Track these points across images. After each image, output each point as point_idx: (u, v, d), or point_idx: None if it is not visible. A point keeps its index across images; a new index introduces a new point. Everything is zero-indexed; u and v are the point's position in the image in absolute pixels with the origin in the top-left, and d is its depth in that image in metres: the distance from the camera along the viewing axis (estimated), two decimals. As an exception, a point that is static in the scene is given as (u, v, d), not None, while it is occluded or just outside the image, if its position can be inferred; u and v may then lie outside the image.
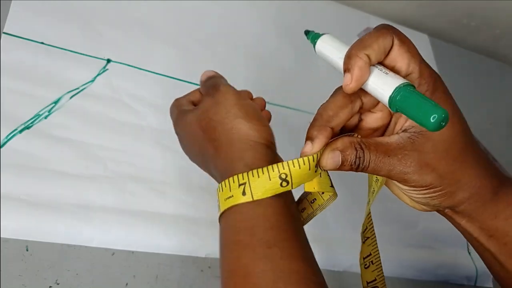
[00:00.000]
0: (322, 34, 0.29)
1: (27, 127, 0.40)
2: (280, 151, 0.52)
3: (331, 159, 0.26)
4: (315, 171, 0.27)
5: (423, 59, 0.27)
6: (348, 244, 0.47)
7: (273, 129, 0.47)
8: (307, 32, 0.30)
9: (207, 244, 0.40)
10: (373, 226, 0.32)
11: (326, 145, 0.27)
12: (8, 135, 0.38)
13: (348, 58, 0.26)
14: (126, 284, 0.36)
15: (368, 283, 0.33)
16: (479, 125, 0.68)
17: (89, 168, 0.40)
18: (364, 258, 0.33)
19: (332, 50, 0.29)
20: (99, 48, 0.47)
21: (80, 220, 0.37)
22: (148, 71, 0.49)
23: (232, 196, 0.27)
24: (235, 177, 0.27)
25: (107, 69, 0.46)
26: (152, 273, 0.38)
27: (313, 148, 0.26)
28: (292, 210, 0.27)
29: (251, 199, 0.26)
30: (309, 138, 0.27)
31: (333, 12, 0.68)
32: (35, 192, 0.37)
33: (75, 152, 0.40)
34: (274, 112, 0.53)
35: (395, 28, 0.27)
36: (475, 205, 0.28)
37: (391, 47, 0.26)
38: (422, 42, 0.73)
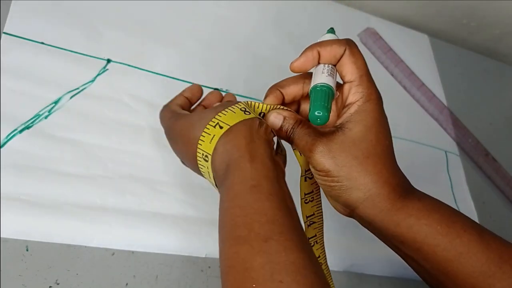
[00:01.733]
0: (331, 32, 0.35)
1: (27, 127, 0.40)
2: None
3: (274, 118, 0.33)
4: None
5: (368, 73, 0.32)
6: (348, 244, 0.47)
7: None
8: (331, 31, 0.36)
9: (207, 244, 0.40)
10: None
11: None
12: (8, 135, 0.38)
13: (306, 48, 0.32)
14: (126, 284, 0.36)
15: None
16: (479, 125, 0.68)
17: (89, 168, 0.40)
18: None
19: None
20: (99, 48, 0.47)
21: (80, 220, 0.37)
22: (148, 71, 0.49)
23: (214, 135, 0.31)
24: (207, 125, 0.32)
25: (107, 69, 0.46)
26: (152, 273, 0.38)
27: (265, 100, 0.34)
28: (288, 203, 0.28)
29: (228, 127, 0.31)
30: (265, 95, 0.34)
31: (333, 12, 0.68)
32: (35, 192, 0.37)
33: (75, 152, 0.40)
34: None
35: (353, 42, 0.32)
36: (372, 211, 0.31)
37: (342, 55, 0.32)
38: (422, 42, 0.73)
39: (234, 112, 0.32)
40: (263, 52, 0.58)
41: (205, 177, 0.34)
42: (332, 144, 0.30)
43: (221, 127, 0.31)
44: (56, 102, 0.42)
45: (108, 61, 0.47)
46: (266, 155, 0.30)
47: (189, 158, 0.34)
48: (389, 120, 0.67)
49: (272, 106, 0.34)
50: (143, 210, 0.40)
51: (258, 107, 0.34)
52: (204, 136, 0.31)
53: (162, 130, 0.45)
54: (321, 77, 0.32)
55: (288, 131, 0.32)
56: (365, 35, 0.67)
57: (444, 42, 0.76)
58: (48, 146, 0.40)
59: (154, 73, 0.49)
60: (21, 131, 0.39)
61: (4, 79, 0.41)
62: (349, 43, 0.32)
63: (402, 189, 0.31)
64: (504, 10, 0.76)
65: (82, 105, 0.43)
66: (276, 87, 0.34)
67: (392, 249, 0.33)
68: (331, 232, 0.48)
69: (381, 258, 0.47)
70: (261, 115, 0.34)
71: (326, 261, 0.36)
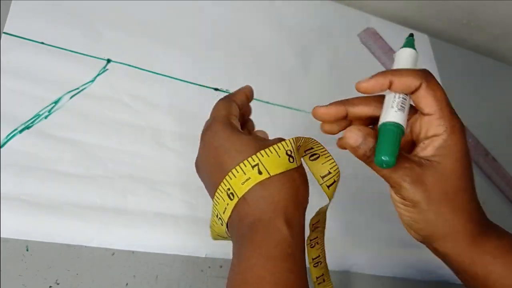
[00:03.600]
0: (411, 46, 0.34)
1: (27, 127, 0.40)
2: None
3: (354, 135, 0.28)
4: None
5: (448, 103, 0.30)
6: (348, 244, 0.47)
7: (274, 128, 0.47)
8: (411, 35, 0.35)
9: (207, 244, 0.40)
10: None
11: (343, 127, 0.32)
12: (8, 135, 0.38)
13: (379, 73, 0.30)
14: (126, 284, 0.36)
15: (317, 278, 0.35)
16: (479, 125, 0.68)
17: (89, 168, 0.40)
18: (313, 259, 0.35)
19: (396, 61, 0.33)
20: (99, 48, 0.47)
21: (80, 220, 0.37)
22: (148, 71, 0.49)
23: (250, 177, 0.28)
24: (246, 161, 0.28)
25: (107, 69, 0.46)
26: (152, 273, 0.38)
27: (322, 108, 0.32)
28: (298, 263, 0.27)
29: (268, 175, 0.28)
30: (327, 106, 0.32)
31: (334, 12, 0.68)
32: (35, 192, 0.37)
33: (75, 152, 0.40)
34: (275, 111, 0.54)
35: (430, 74, 0.30)
36: (451, 246, 0.30)
37: (418, 88, 0.29)
38: (422, 43, 0.73)
39: (279, 156, 0.29)
40: (263, 51, 0.58)
41: (215, 208, 0.31)
42: (425, 176, 0.29)
43: (260, 172, 0.28)
44: (56, 102, 0.42)
45: (108, 61, 0.47)
46: (302, 222, 0.29)
47: (210, 182, 0.32)
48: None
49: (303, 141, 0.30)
50: (143, 210, 0.40)
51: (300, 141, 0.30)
52: (237, 172, 0.28)
53: (162, 130, 0.45)
54: (391, 112, 0.29)
55: (367, 153, 0.29)
56: (365, 35, 0.67)
57: (444, 42, 0.76)
58: (48, 146, 0.40)
59: (154, 73, 0.49)
60: (21, 131, 0.39)
61: (4, 79, 0.41)
62: (426, 75, 0.30)
63: (482, 225, 0.31)
64: (504, 10, 0.76)
65: (82, 105, 0.43)
66: (342, 103, 0.32)
67: (458, 276, 0.32)
68: (331, 232, 0.48)
69: (383, 259, 0.47)
70: (298, 147, 0.31)
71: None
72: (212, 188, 0.31)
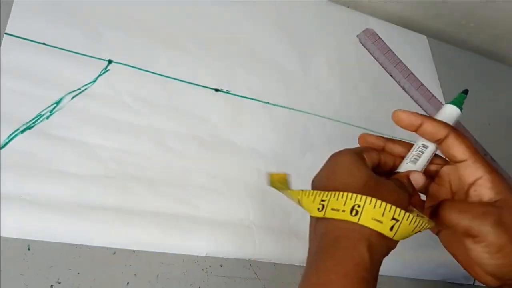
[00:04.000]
0: (457, 104, 0.35)
1: (29, 127, 0.40)
2: (283, 153, 0.52)
3: (417, 176, 0.31)
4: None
5: (477, 150, 0.32)
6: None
7: (274, 130, 0.48)
8: (465, 92, 0.37)
9: (208, 244, 0.41)
10: None
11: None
12: (9, 135, 0.39)
13: (416, 112, 0.33)
14: (127, 283, 0.36)
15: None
16: (479, 125, 0.68)
17: (91, 168, 0.40)
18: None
19: (438, 112, 0.35)
20: (100, 49, 0.47)
21: (81, 220, 0.37)
22: (150, 71, 0.49)
23: (344, 210, 0.28)
24: (352, 195, 0.28)
25: (108, 70, 0.46)
26: (153, 272, 0.38)
27: (403, 114, 0.33)
28: None
29: (357, 221, 0.27)
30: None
31: (332, 13, 0.68)
32: (36, 191, 0.37)
33: (76, 152, 0.41)
34: (274, 112, 0.54)
35: (456, 129, 0.32)
36: None
37: (446, 137, 0.31)
38: (421, 44, 0.73)
39: (409, 223, 0.28)
40: (263, 52, 0.58)
41: (305, 195, 0.30)
42: (502, 216, 0.29)
43: (355, 213, 0.27)
44: (57, 103, 0.42)
45: (109, 61, 0.47)
46: (380, 258, 0.29)
47: (319, 181, 0.32)
48: (388, 121, 0.67)
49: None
50: (143, 209, 0.40)
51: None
52: (339, 197, 0.28)
53: (163, 130, 0.45)
54: (403, 164, 0.32)
55: (435, 207, 0.30)
56: (364, 36, 0.68)
57: (443, 43, 0.77)
58: (50, 146, 0.40)
59: (155, 73, 0.49)
60: (22, 131, 0.39)
61: (5, 79, 0.41)
62: (453, 127, 0.32)
63: None
64: (504, 10, 0.76)
65: (84, 106, 0.43)
66: (421, 117, 0.32)
67: None
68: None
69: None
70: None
71: None
72: (318, 183, 0.31)
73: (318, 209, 0.29)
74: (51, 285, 0.34)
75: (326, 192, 0.29)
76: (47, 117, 0.41)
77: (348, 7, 0.70)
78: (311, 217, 0.31)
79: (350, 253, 0.27)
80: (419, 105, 0.65)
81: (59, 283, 0.34)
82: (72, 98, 0.43)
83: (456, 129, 0.32)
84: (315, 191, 0.30)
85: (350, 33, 0.67)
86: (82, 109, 0.43)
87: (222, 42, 0.56)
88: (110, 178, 0.40)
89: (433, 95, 0.66)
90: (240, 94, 0.52)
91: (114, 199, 0.39)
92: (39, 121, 0.41)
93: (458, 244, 0.32)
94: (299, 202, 0.31)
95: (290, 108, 0.55)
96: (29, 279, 0.34)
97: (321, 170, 0.32)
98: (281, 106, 0.54)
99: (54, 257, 0.35)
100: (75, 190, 0.38)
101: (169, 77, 0.49)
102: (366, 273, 0.27)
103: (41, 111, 0.41)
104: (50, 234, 0.36)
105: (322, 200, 0.29)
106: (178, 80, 0.50)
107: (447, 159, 0.33)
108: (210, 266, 0.40)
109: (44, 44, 0.45)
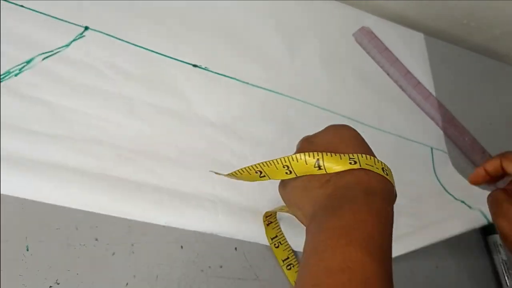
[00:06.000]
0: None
1: None
2: (260, 134, 0.52)
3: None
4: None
5: None
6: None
7: (252, 110, 0.47)
8: None
9: (168, 213, 0.41)
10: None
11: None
12: None
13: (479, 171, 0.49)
14: (127, 284, 0.36)
15: (283, 260, 0.42)
16: (479, 125, 0.68)
17: (54, 127, 0.41)
18: (272, 239, 0.43)
19: None
20: (79, 16, 0.48)
21: (38, 176, 0.37)
22: (127, 42, 0.49)
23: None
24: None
25: (84, 36, 0.47)
26: (152, 273, 0.38)
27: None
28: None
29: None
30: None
31: (328, 10, 0.67)
32: None
33: (41, 111, 0.41)
34: (253, 93, 0.53)
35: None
36: None
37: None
38: (416, 41, 0.73)
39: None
40: (248, 34, 0.57)
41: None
42: None
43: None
44: (28, 62, 0.43)
45: (86, 28, 0.48)
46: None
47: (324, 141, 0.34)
48: (385, 119, 0.68)
49: None
50: (105, 173, 0.40)
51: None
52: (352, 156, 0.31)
53: (135, 98, 0.45)
54: None
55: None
56: (360, 34, 0.67)
57: (444, 42, 0.76)
58: (14, 102, 0.40)
59: (133, 44, 0.49)
60: None
61: None
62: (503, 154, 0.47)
63: None
64: (504, 10, 0.76)
65: (54, 68, 0.44)
66: (499, 159, 0.47)
67: None
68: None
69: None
70: None
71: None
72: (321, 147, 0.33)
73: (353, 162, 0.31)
74: (50, 286, 0.34)
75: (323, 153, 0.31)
76: (16, 75, 0.42)
77: (344, 3, 0.70)
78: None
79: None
80: (416, 103, 0.65)
81: (58, 283, 0.34)
82: (44, 59, 0.44)
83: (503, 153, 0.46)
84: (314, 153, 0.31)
85: (346, 31, 0.67)
86: (52, 70, 0.44)
87: (206, 20, 0.56)
88: (74, 140, 0.41)
89: (430, 93, 0.66)
90: (219, 72, 0.52)
91: (76, 161, 0.39)
92: (7, 77, 0.41)
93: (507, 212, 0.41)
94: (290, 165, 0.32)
95: (270, 91, 0.54)
96: (27, 279, 0.34)
97: (323, 136, 0.34)
98: (261, 88, 0.54)
99: (53, 257, 0.35)
100: (35, 146, 0.39)
101: (147, 49, 0.50)
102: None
103: (10, 69, 0.42)
104: (6, 188, 0.36)
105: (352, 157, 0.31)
106: (156, 52, 0.50)
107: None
108: (209, 267, 0.40)
109: (22, 6, 0.45)
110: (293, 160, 0.32)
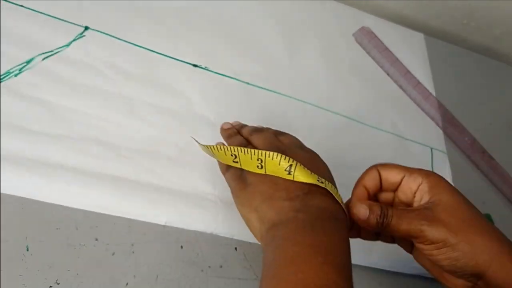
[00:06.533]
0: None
1: None
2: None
3: (362, 208, 0.33)
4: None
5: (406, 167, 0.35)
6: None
7: (252, 110, 0.48)
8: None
9: (168, 212, 0.41)
10: None
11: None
12: None
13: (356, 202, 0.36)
14: (127, 284, 0.36)
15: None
16: (479, 125, 0.68)
17: (54, 127, 0.41)
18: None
19: None
20: (79, 16, 0.48)
21: (37, 176, 0.37)
22: (127, 42, 0.49)
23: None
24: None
25: (84, 36, 0.47)
26: (152, 273, 0.38)
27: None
28: None
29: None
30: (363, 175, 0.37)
31: (328, 10, 0.67)
32: None
33: (41, 111, 0.41)
34: (253, 93, 0.53)
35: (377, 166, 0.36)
36: (502, 274, 0.30)
37: (380, 178, 0.36)
38: (416, 41, 0.73)
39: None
40: (248, 34, 0.58)
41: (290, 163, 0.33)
42: (437, 214, 0.31)
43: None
44: (28, 62, 0.43)
45: (86, 28, 0.48)
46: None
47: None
48: (385, 119, 0.67)
49: None
50: (105, 173, 0.40)
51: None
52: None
53: (135, 98, 0.45)
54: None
55: (379, 220, 0.32)
56: (360, 34, 0.67)
57: (444, 42, 0.76)
58: (14, 102, 0.40)
59: (133, 44, 0.49)
60: None
61: None
62: (376, 166, 0.36)
63: None
64: (504, 10, 0.76)
65: (54, 68, 0.44)
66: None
67: None
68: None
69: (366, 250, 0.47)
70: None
71: None
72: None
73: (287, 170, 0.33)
74: (50, 286, 0.34)
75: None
76: (16, 75, 0.42)
77: (344, 4, 0.70)
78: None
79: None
80: (416, 103, 0.65)
81: (58, 283, 0.34)
82: (44, 59, 0.44)
83: (379, 164, 0.36)
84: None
85: (346, 31, 0.67)
86: (52, 70, 0.44)
87: (206, 19, 0.56)
88: (73, 139, 0.41)
89: (430, 93, 0.66)
90: (219, 72, 0.52)
91: (75, 160, 0.39)
92: (7, 77, 0.41)
93: (422, 255, 0.35)
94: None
95: (270, 90, 0.54)
96: (27, 279, 0.34)
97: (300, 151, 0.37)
98: (262, 88, 0.54)
99: (53, 257, 0.35)
100: (34, 146, 0.39)
101: (147, 49, 0.50)
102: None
103: (10, 69, 0.42)
104: (5, 187, 0.36)
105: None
106: (156, 52, 0.50)
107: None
108: (209, 267, 0.40)
109: (22, 6, 0.45)
110: (268, 157, 0.33)
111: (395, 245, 0.38)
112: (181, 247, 0.40)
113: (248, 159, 0.34)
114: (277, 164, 0.33)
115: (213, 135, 0.47)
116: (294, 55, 0.59)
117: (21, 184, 0.37)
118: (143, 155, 0.43)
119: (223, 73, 0.53)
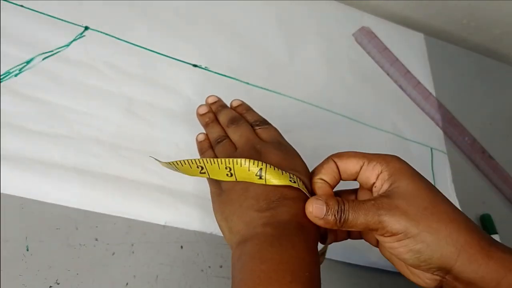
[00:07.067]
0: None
1: None
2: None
3: (317, 205, 0.30)
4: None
5: (368, 153, 0.33)
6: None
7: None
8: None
9: (168, 213, 0.41)
10: None
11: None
12: None
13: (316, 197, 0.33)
14: (127, 284, 0.36)
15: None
16: (479, 125, 0.68)
17: (54, 127, 0.41)
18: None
19: None
20: (79, 16, 0.48)
21: (37, 175, 0.37)
22: (127, 42, 0.49)
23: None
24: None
25: (84, 36, 0.47)
26: (152, 273, 0.38)
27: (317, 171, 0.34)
28: None
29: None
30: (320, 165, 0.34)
31: (328, 10, 0.67)
32: None
33: (41, 111, 0.41)
34: (253, 93, 0.53)
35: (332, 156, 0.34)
36: (470, 267, 0.27)
37: (338, 169, 0.33)
38: (416, 41, 0.73)
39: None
40: (247, 34, 0.57)
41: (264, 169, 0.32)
42: (396, 202, 0.29)
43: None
44: (28, 62, 0.43)
45: (86, 28, 0.48)
46: None
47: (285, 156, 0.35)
48: (385, 119, 0.67)
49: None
50: (105, 172, 0.40)
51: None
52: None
53: (135, 98, 0.46)
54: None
55: (337, 217, 0.30)
56: (360, 34, 0.67)
57: (444, 42, 0.76)
58: (15, 102, 0.40)
59: (133, 44, 0.49)
60: None
61: None
62: (332, 157, 0.34)
63: (487, 238, 0.28)
64: (504, 10, 0.76)
65: (54, 68, 0.44)
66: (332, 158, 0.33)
67: None
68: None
69: (360, 247, 0.47)
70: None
71: None
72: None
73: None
74: (50, 286, 0.34)
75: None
76: (16, 75, 0.42)
77: (344, 4, 0.70)
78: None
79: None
80: (416, 103, 0.65)
81: (58, 283, 0.34)
82: (43, 59, 0.44)
83: (334, 154, 0.33)
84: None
85: (344, 29, 0.67)
86: (52, 70, 0.44)
87: (206, 19, 0.56)
88: (73, 139, 0.41)
89: (430, 93, 0.66)
90: (219, 72, 0.52)
91: (75, 160, 0.40)
92: (7, 77, 0.41)
93: (385, 249, 0.32)
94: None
95: (270, 90, 0.54)
96: (27, 279, 0.34)
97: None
98: (262, 88, 0.54)
99: (53, 257, 0.35)
100: (34, 145, 0.39)
101: (147, 49, 0.50)
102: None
103: (10, 69, 0.42)
104: (5, 187, 0.36)
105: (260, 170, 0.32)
106: (156, 52, 0.50)
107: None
108: (209, 267, 0.40)
109: (22, 6, 0.46)
110: (236, 164, 0.32)
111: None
112: (181, 247, 0.40)
113: (216, 169, 0.33)
114: (246, 170, 0.32)
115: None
116: (294, 55, 0.59)
117: (21, 184, 0.37)
118: (142, 155, 0.43)
119: (223, 73, 0.53)
